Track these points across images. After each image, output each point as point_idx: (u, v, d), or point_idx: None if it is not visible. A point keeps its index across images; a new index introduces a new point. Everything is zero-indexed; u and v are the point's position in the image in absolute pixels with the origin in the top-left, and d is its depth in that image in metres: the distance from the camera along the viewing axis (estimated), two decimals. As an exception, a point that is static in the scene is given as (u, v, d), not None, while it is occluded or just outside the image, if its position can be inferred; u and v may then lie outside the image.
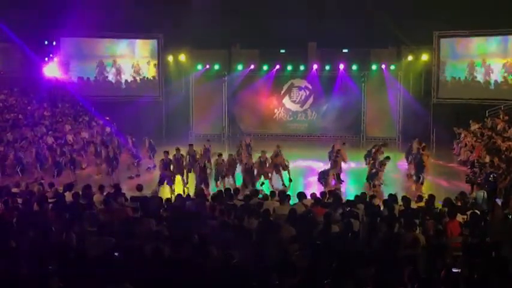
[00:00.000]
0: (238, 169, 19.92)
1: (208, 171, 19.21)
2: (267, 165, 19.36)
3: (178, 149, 19.34)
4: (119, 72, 31.56)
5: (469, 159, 22.38)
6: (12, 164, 20.61)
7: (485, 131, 24.40)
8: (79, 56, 31.14)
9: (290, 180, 20.43)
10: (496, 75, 27.23)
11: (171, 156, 18.93)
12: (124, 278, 7.91)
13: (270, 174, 19.55)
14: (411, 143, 21.76)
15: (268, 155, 19.69)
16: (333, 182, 18.99)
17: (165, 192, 17.86)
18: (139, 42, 31.54)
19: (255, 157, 20.03)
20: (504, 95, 27.25)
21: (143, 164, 22.38)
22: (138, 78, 31.67)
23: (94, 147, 22.35)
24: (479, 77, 28.14)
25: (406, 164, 21.64)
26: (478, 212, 12.43)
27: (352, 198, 13.99)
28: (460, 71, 28.64)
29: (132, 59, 31.69)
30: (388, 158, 19.38)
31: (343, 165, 19.71)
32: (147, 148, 22.74)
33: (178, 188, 18.60)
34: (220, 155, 19.48)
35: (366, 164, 20.44)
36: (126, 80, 31.67)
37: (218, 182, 19.13)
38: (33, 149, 21.46)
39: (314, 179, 20.15)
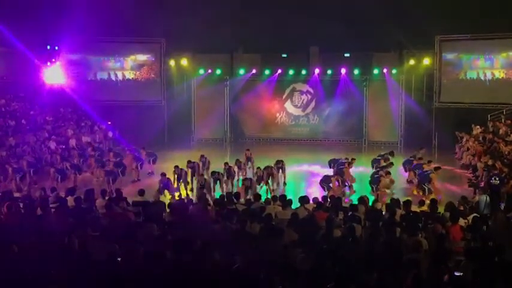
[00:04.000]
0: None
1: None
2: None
3: (177, 166, 19.52)
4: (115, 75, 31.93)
5: (471, 163, 22.37)
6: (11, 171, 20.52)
7: (487, 135, 24.39)
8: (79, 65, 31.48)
9: (284, 183, 20.62)
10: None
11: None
12: (126, 283, 7.91)
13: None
14: (414, 154, 21.66)
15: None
16: (336, 183, 18.98)
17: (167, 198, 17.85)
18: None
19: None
20: (505, 97, 27.56)
21: (144, 168, 22.34)
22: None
23: (93, 161, 22.20)
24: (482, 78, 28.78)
25: (404, 171, 21.57)
26: (479, 216, 12.42)
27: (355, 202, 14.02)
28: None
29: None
30: (391, 163, 19.45)
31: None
32: (145, 156, 22.72)
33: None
34: (214, 172, 19.45)
35: (373, 169, 20.49)
36: (120, 80, 31.89)
37: (216, 185, 19.12)
38: (26, 159, 21.38)
39: (316, 183, 20.17)
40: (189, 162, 20.11)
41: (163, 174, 18.47)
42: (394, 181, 19.02)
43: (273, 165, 20.16)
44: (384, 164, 20.24)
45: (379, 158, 21.18)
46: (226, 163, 19.98)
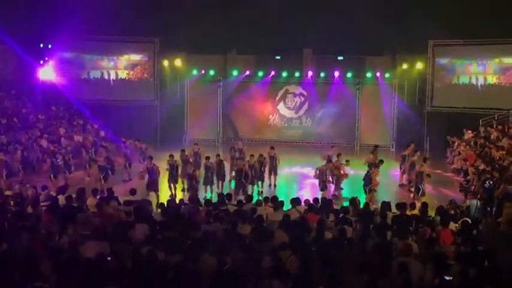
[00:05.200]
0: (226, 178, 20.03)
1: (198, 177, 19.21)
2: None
3: (171, 155, 19.38)
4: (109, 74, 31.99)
5: (462, 167, 22.46)
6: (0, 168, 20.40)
7: (478, 140, 24.50)
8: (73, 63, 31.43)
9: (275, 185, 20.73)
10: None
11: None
12: (116, 282, 7.90)
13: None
14: (404, 151, 21.76)
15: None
16: (331, 187, 19.05)
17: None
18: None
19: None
20: (496, 103, 27.79)
21: (135, 167, 22.26)
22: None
23: (87, 158, 22.07)
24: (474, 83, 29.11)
25: (399, 172, 21.61)
26: (469, 221, 12.47)
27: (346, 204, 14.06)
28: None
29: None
30: (381, 161, 19.52)
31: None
32: (139, 150, 22.67)
33: (165, 195, 18.52)
34: (208, 157, 19.44)
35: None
36: (113, 79, 31.94)
37: (206, 188, 19.10)
38: (19, 153, 21.25)
39: (308, 185, 20.20)
40: (182, 151, 20.15)
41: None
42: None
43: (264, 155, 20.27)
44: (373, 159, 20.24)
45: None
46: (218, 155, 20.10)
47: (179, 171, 19.34)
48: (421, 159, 19.53)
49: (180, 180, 19.49)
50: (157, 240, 10.21)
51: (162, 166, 19.39)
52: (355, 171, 21.22)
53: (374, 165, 19.08)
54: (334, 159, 20.15)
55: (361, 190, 18.63)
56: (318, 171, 19.38)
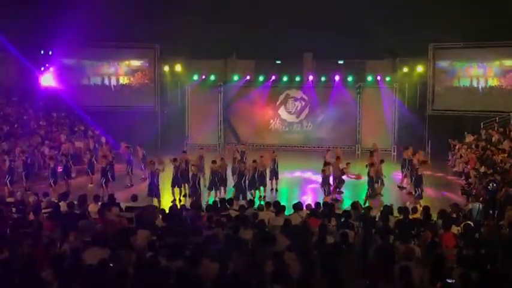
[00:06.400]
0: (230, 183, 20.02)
1: (202, 180, 19.23)
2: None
3: (175, 159, 19.53)
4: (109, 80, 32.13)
5: (464, 170, 22.43)
6: (3, 174, 20.37)
7: (480, 143, 24.48)
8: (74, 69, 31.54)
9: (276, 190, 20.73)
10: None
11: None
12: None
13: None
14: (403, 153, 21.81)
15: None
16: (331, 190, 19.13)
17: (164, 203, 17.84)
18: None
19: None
20: (498, 105, 27.81)
21: (136, 173, 22.26)
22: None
23: (90, 156, 22.08)
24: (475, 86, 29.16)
25: (401, 175, 21.61)
26: (471, 224, 12.44)
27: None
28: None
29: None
30: (381, 161, 19.59)
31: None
32: (141, 157, 22.69)
33: (166, 200, 18.56)
34: (214, 162, 19.43)
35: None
36: (114, 85, 32.10)
37: (211, 192, 19.09)
38: (22, 159, 21.25)
39: (309, 189, 20.15)
40: (184, 152, 20.35)
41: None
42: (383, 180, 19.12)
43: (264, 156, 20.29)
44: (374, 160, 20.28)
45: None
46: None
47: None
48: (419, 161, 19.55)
49: (182, 185, 19.48)
50: (159, 246, 10.19)
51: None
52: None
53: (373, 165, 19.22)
54: (332, 161, 20.14)
55: (363, 194, 18.61)
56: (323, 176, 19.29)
